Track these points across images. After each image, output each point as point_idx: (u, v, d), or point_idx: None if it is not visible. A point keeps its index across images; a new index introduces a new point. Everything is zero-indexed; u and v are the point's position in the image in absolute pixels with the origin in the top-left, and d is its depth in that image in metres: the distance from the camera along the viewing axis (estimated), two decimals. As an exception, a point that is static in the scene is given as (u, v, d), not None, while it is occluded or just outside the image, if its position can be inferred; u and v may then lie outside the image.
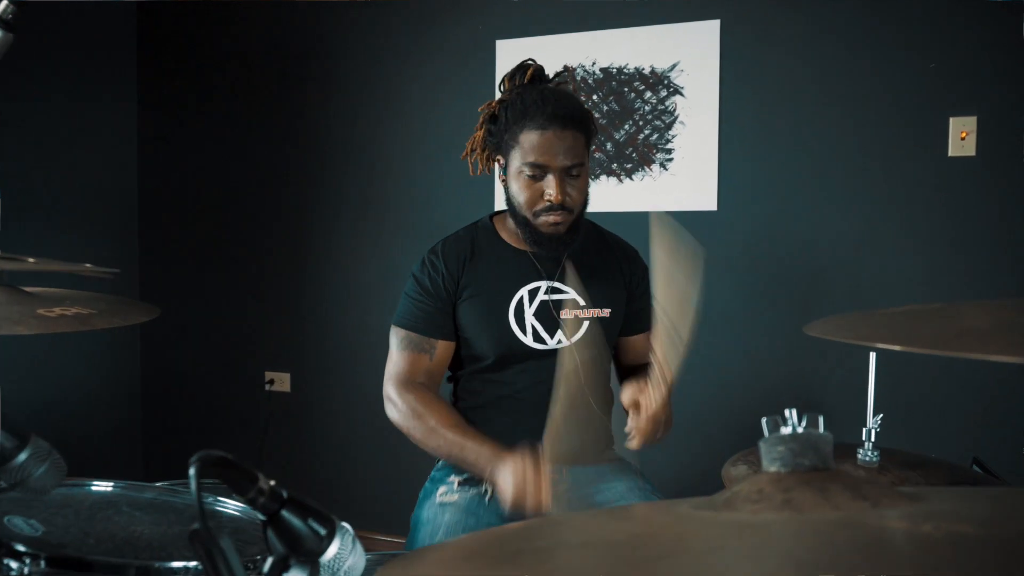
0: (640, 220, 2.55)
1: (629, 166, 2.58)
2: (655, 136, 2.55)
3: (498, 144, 1.59)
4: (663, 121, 2.54)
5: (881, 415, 1.24)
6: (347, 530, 0.65)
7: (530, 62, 1.64)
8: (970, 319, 0.65)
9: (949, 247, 2.30)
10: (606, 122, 2.59)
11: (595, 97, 2.61)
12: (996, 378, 2.23)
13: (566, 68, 2.61)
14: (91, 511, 0.97)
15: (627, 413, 1.50)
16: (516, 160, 1.54)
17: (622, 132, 2.59)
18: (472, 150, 1.68)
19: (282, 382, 3.05)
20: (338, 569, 0.64)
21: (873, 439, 1.23)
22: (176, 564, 0.82)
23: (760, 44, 2.44)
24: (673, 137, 2.53)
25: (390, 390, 1.59)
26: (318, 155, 2.98)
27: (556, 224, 1.54)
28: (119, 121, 3.20)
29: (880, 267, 2.37)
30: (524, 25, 2.67)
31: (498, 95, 1.65)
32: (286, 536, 0.61)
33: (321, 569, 0.63)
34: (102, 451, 3.11)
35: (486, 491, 1.58)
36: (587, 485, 1.63)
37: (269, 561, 0.62)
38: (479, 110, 1.65)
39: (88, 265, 1.03)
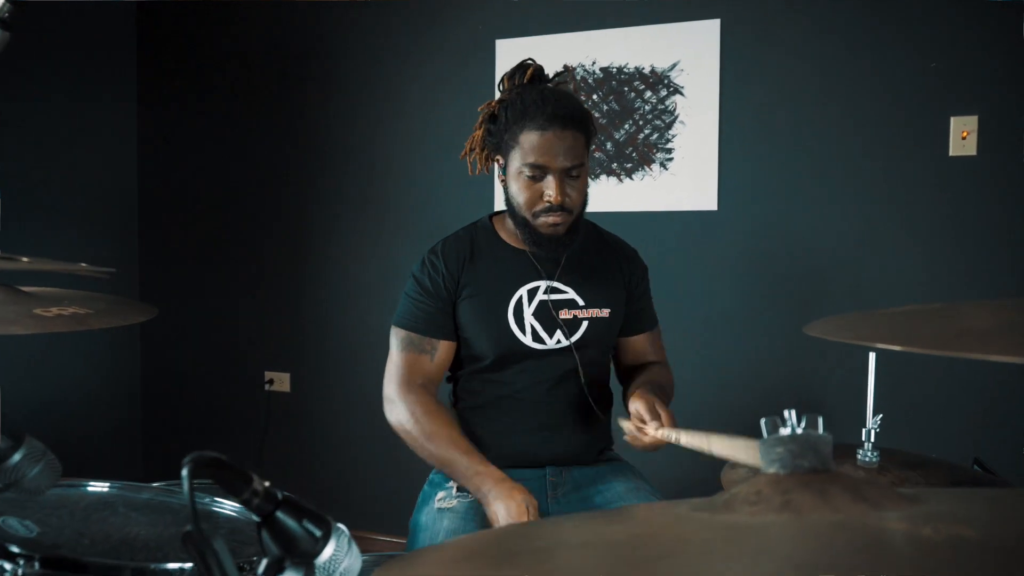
0: (640, 220, 2.56)
1: (629, 166, 2.58)
2: (655, 136, 2.55)
3: (497, 144, 1.59)
4: (663, 121, 2.53)
5: (881, 415, 1.23)
6: (343, 531, 0.65)
7: (530, 62, 1.63)
8: (971, 319, 0.65)
9: (950, 247, 2.30)
10: (606, 122, 2.59)
11: (595, 97, 2.60)
12: (997, 378, 2.23)
13: (566, 68, 2.60)
14: (87, 512, 0.97)
15: (628, 415, 1.49)
16: (516, 160, 1.54)
17: (622, 132, 2.58)
18: (471, 150, 1.67)
19: (282, 382, 3.05)
20: (334, 571, 0.63)
21: (873, 439, 1.22)
22: (172, 565, 0.81)
23: (760, 43, 2.44)
24: (673, 137, 2.52)
25: (391, 391, 1.58)
26: (318, 155, 2.98)
27: (555, 225, 1.54)
28: (119, 121, 3.20)
29: (880, 267, 2.36)
30: (524, 25, 2.67)
31: (498, 95, 1.65)
32: (281, 537, 0.61)
33: (316, 571, 0.62)
34: (102, 451, 3.11)
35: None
36: (586, 486, 1.63)
37: (264, 563, 0.61)
38: (479, 110, 1.65)
39: (83, 264, 1.02)
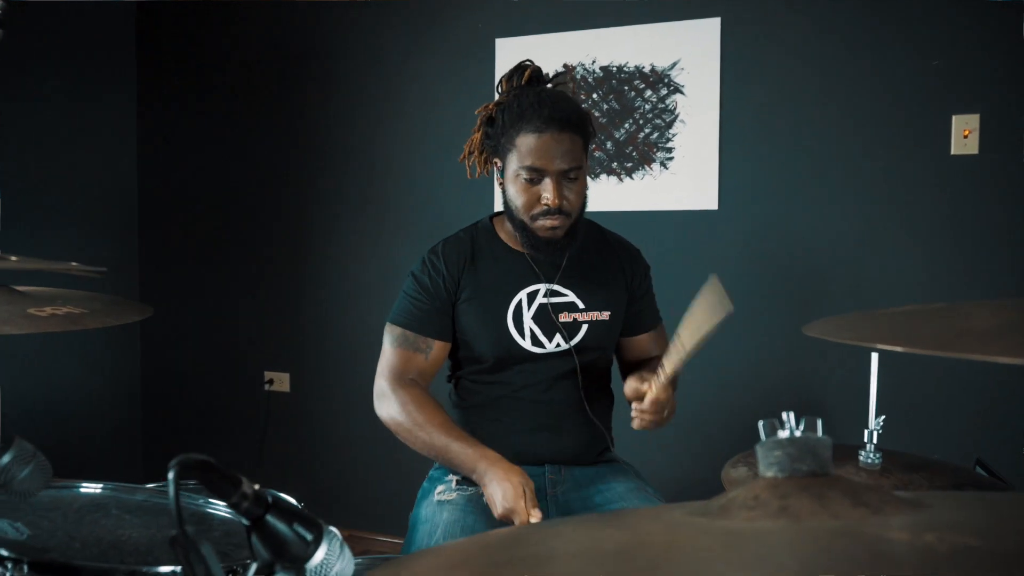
0: (640, 219, 2.55)
1: (629, 165, 2.57)
2: (655, 135, 2.53)
3: (495, 147, 1.58)
4: (663, 120, 2.52)
5: (883, 416, 1.22)
6: (335, 535, 0.64)
7: (528, 63, 1.62)
8: (972, 319, 0.64)
9: (950, 246, 2.28)
10: (606, 121, 2.58)
11: (595, 96, 2.59)
12: (997, 378, 2.21)
13: (566, 67, 2.61)
14: (79, 514, 0.96)
15: (630, 405, 1.49)
16: (513, 163, 1.53)
17: (622, 131, 2.57)
18: (470, 153, 1.66)
19: (281, 382, 3.04)
20: (325, 575, 0.62)
21: (875, 441, 1.21)
22: (164, 569, 0.81)
23: (761, 42, 2.43)
24: (673, 136, 2.51)
25: (383, 385, 1.58)
26: (318, 155, 2.98)
27: (553, 228, 1.53)
28: (119, 121, 3.19)
29: (880, 267, 2.35)
30: (524, 23, 2.66)
31: (496, 96, 1.64)
32: (271, 541, 0.60)
33: (308, 575, 0.61)
34: (102, 451, 3.11)
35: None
36: (586, 486, 1.62)
37: (253, 567, 0.60)
38: (476, 112, 1.64)
39: (74, 264, 1.01)
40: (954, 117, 2.24)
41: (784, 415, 0.51)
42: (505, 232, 1.64)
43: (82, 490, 1.02)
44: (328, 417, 2.99)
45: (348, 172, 2.94)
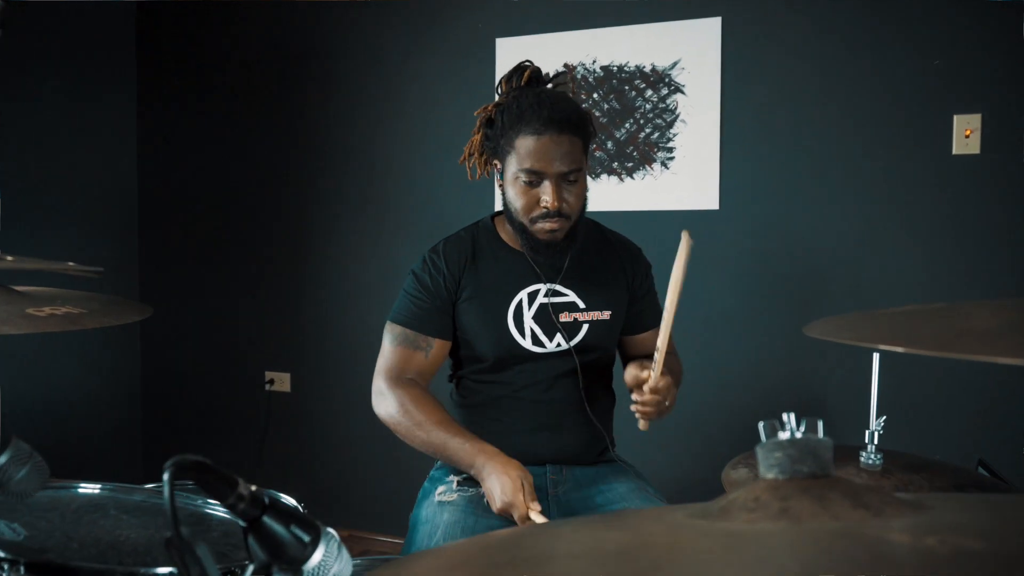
0: (641, 219, 2.54)
1: (630, 165, 2.57)
2: (656, 135, 2.53)
3: (495, 149, 1.57)
4: (664, 119, 2.52)
5: (885, 417, 1.22)
6: (332, 536, 0.63)
7: (527, 63, 1.62)
8: (973, 319, 0.63)
9: (951, 246, 2.28)
10: (607, 120, 2.57)
11: (595, 95, 2.59)
12: (998, 378, 2.21)
13: (566, 67, 2.60)
14: (77, 514, 0.95)
15: (631, 393, 1.50)
16: (512, 165, 1.52)
17: (623, 131, 2.57)
18: (470, 155, 1.66)
19: (282, 382, 3.04)
20: (323, 577, 0.62)
21: (876, 441, 1.20)
22: (162, 570, 0.80)
23: (762, 42, 2.42)
24: (674, 136, 2.51)
25: (381, 384, 1.58)
26: (318, 155, 2.97)
27: (553, 231, 1.52)
28: (119, 121, 3.19)
29: (880, 267, 2.34)
30: (524, 23, 2.66)
31: (496, 98, 1.63)
32: (268, 543, 0.59)
33: (305, 577, 0.61)
34: (102, 452, 3.11)
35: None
36: (587, 486, 1.62)
37: (250, 569, 0.60)
38: (475, 114, 1.63)
39: (71, 264, 1.01)
40: (955, 117, 2.23)
41: (784, 416, 0.50)
42: (506, 232, 1.64)
43: (80, 490, 1.02)
44: (329, 417, 2.99)
45: (348, 172, 2.93)
